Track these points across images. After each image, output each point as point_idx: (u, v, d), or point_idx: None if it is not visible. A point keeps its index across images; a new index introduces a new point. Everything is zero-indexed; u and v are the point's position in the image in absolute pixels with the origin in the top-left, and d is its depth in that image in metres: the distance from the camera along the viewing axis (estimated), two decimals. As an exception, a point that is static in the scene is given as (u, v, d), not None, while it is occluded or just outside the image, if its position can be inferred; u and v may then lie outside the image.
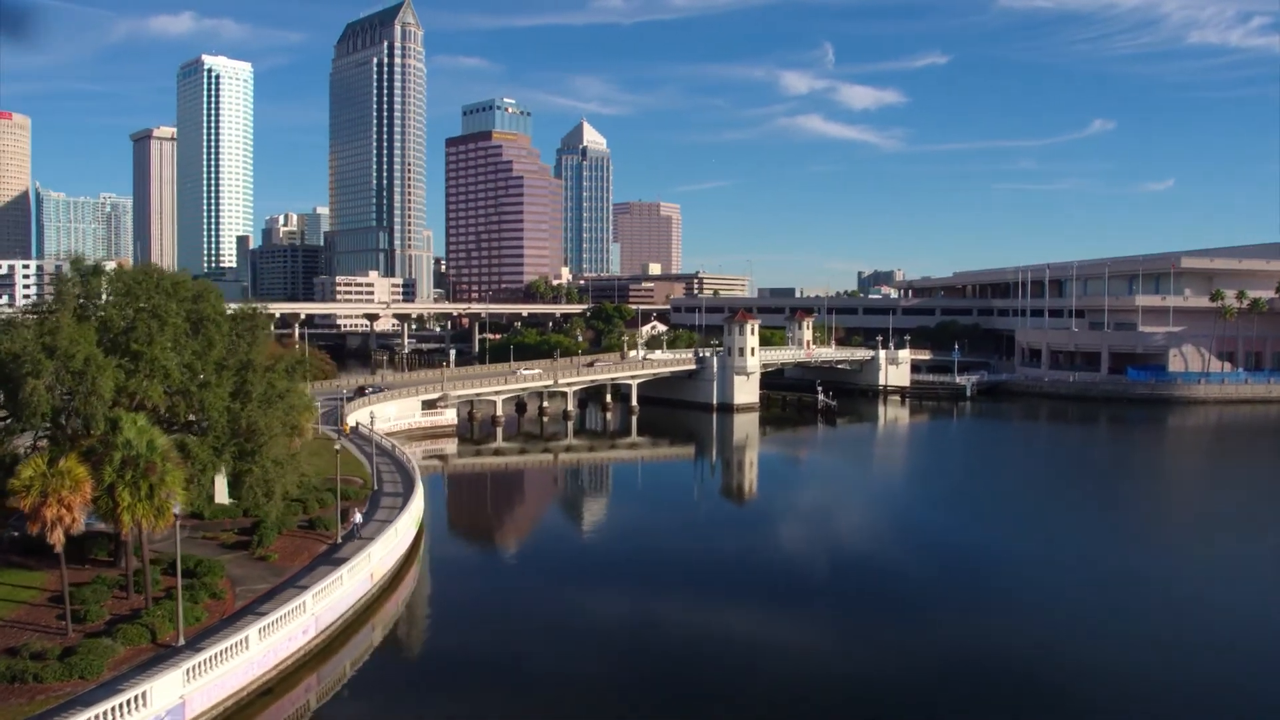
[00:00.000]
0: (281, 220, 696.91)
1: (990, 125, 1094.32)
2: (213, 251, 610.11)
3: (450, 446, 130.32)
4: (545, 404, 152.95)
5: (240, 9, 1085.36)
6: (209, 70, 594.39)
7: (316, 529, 65.84)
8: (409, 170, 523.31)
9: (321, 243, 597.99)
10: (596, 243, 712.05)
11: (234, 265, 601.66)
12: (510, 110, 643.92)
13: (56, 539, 45.63)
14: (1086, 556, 75.50)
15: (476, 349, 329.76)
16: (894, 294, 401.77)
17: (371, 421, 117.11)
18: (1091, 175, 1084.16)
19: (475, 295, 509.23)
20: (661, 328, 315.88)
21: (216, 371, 56.60)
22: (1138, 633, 57.14)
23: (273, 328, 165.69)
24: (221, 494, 67.45)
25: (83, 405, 49.48)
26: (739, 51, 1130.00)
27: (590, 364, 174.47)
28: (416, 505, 72.57)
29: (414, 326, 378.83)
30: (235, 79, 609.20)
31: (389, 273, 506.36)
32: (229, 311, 64.41)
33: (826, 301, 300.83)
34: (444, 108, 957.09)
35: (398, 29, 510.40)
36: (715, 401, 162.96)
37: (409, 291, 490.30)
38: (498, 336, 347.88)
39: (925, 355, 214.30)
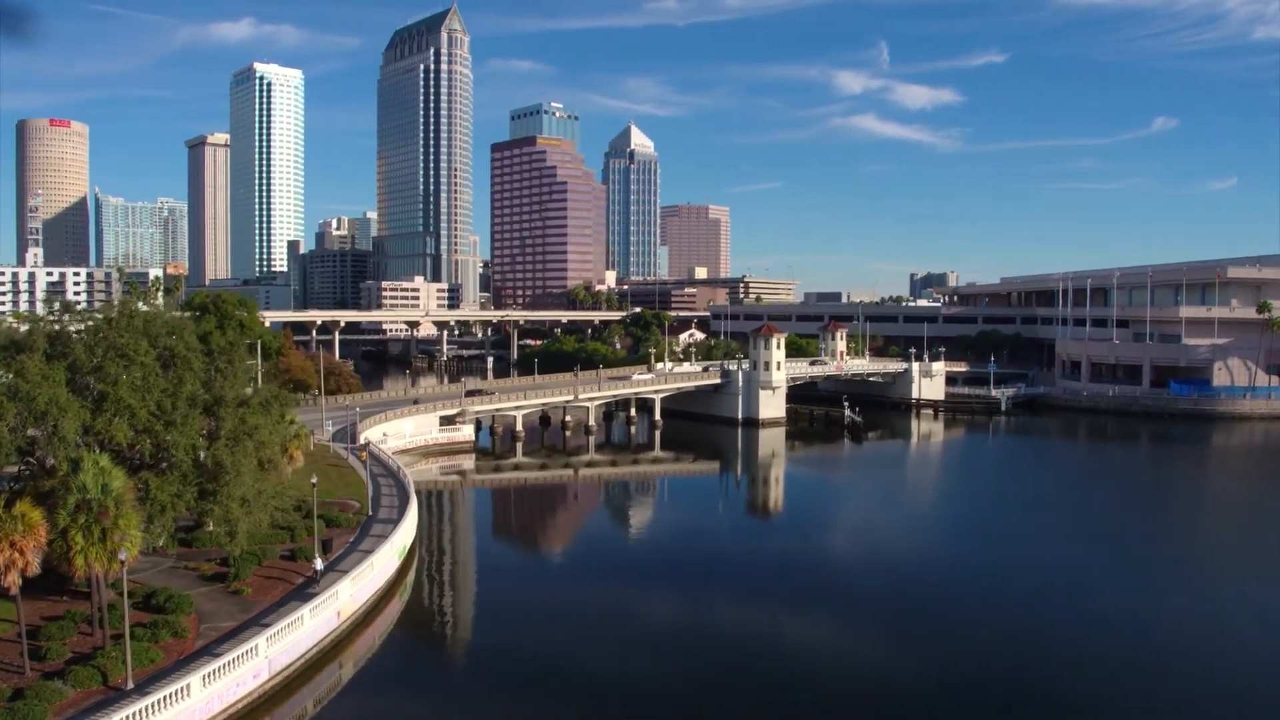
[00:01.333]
0: (335, 224, 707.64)
1: (1049, 124, 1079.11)
2: (264, 256, 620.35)
3: (468, 462, 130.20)
4: (568, 417, 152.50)
5: (299, 14, 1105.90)
6: (261, 78, 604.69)
7: (298, 560, 65.67)
8: (455, 175, 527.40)
9: (370, 247, 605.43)
10: (644, 246, 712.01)
11: (285, 269, 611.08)
12: (558, 114, 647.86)
13: (11, 582, 45.82)
14: (1128, 598, 71.48)
15: (515, 355, 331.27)
16: (937, 301, 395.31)
17: (384, 439, 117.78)
18: (1152, 174, 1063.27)
19: (522, 298, 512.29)
20: (699, 335, 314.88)
21: (189, 408, 56.62)
22: (1197, 681, 55.50)
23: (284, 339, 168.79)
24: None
25: (46, 446, 49.73)
26: (793, 51, 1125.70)
27: (616, 377, 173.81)
28: (401, 535, 72.05)
29: (456, 332, 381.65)
30: (286, 86, 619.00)
31: (435, 278, 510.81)
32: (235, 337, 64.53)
33: (866, 309, 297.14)
34: (497, 110, 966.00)
35: (444, 35, 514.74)
36: (740, 416, 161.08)
37: (454, 297, 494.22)
38: (538, 342, 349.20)
39: (961, 367, 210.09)
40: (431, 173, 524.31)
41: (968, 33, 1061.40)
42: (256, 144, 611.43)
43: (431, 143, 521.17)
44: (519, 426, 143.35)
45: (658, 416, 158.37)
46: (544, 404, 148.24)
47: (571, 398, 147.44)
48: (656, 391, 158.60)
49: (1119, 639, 61.64)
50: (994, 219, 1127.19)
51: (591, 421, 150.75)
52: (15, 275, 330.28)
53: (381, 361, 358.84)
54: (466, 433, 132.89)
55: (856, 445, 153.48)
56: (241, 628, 53.79)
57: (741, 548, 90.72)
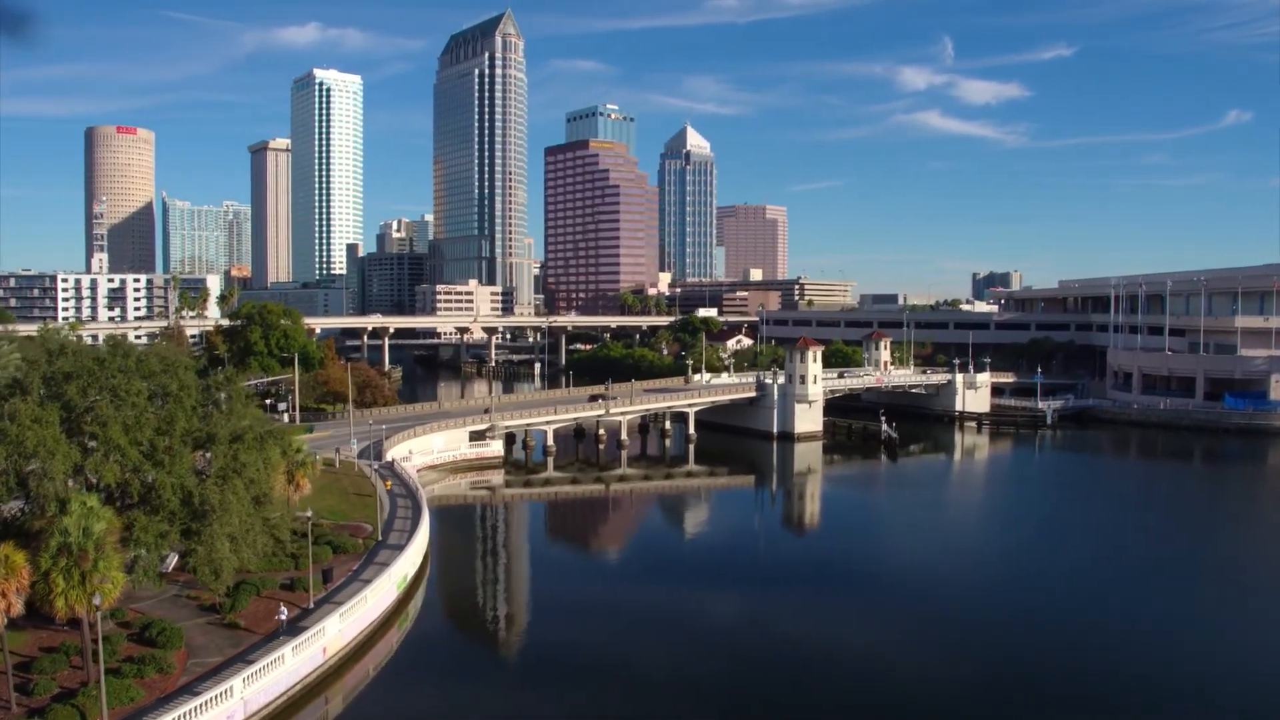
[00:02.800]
0: (395, 226, 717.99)
1: (1118, 119, 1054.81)
2: (324, 259, 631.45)
3: (497, 478, 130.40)
4: (601, 430, 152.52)
5: (363, 18, 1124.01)
6: (320, 84, 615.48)
7: (297, 590, 66.41)
8: (510, 179, 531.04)
9: (427, 250, 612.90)
10: (700, 247, 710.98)
11: (344, 272, 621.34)
12: (613, 116, 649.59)
13: (-5, 621, 47.02)
14: (1194, 639, 68.83)
15: (564, 360, 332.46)
16: (994, 305, 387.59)
17: (408, 457, 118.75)
18: (1225, 169, 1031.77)
19: (577, 301, 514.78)
20: (747, 341, 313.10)
21: (182, 445, 57.58)
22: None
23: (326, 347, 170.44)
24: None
25: (36, 487, 50.89)
26: (856, 48, 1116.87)
27: (652, 389, 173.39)
28: (402, 565, 72.32)
29: (508, 337, 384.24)
30: (345, 91, 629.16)
31: (490, 280, 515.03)
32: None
33: (915, 316, 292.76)
34: (557, 111, 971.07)
35: (498, 40, 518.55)
36: (775, 430, 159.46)
37: (508, 300, 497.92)
38: (588, 347, 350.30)
39: (1008, 378, 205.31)
40: (486, 176, 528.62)
41: (1034, 26, 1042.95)
42: (316, 149, 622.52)
43: (486, 146, 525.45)
44: (550, 440, 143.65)
45: (692, 430, 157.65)
46: (575, 418, 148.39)
47: (603, 412, 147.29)
48: (690, 405, 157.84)
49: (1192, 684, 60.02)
50: (1060, 217, 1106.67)
51: (624, 435, 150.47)
52: (78, 282, 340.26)
53: (433, 366, 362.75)
54: (495, 448, 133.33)
55: (892, 462, 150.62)
56: (227, 663, 54.42)
57: (768, 577, 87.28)
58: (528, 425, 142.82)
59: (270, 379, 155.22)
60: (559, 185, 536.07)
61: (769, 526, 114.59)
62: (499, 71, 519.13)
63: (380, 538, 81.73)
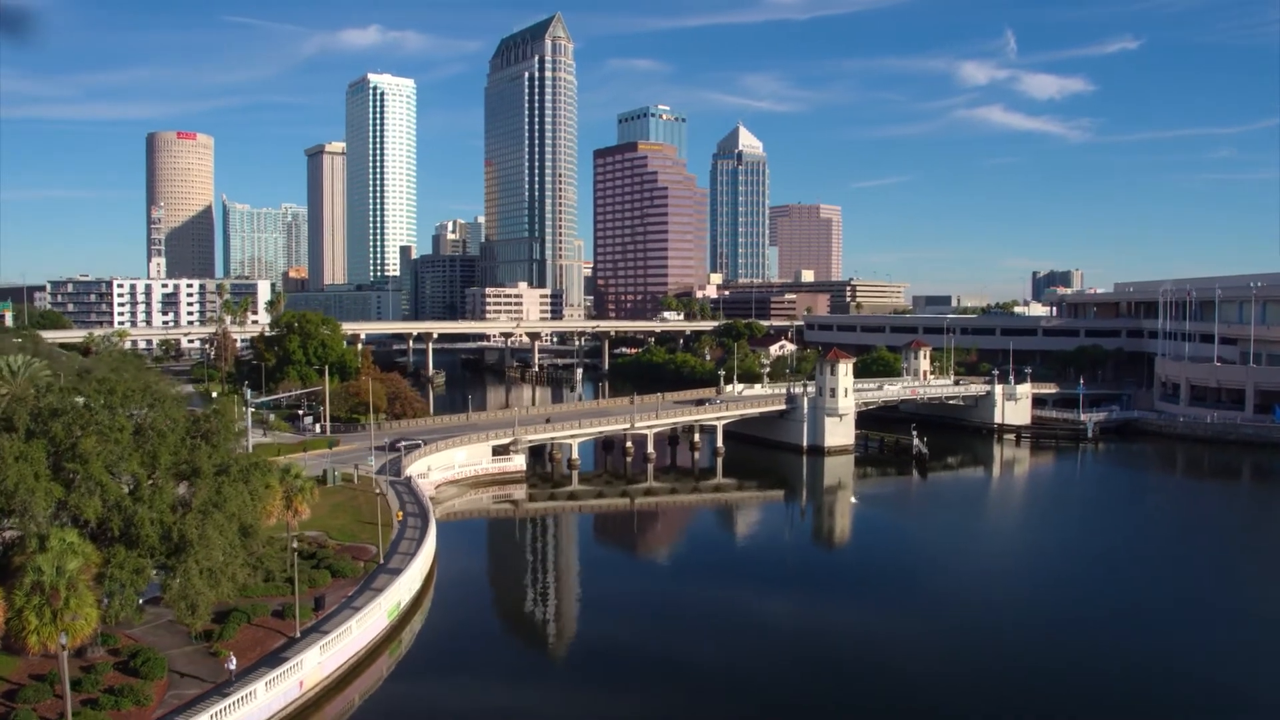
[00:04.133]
0: (450, 228, 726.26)
1: (1185, 112, 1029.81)
2: (378, 261, 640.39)
3: (519, 492, 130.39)
4: (629, 443, 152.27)
5: (423, 20, 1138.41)
6: (374, 88, 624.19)
7: (287, 617, 67.02)
8: (560, 181, 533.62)
9: (478, 252, 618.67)
10: (752, 248, 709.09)
11: (397, 274, 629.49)
12: (664, 117, 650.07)
13: (-31, 657, 48.24)
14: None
15: (606, 365, 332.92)
16: (1047, 308, 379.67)
17: (426, 473, 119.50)
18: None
19: (628, 302, 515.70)
20: (790, 347, 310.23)
21: (167, 478, 58.53)
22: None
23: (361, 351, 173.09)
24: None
25: (17, 524, 52.04)
26: (916, 43, 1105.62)
27: (681, 401, 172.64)
28: (394, 593, 72.50)
29: (554, 340, 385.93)
30: (399, 95, 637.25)
31: (540, 282, 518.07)
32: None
33: (960, 322, 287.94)
34: (615, 110, 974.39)
35: (548, 43, 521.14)
36: (805, 443, 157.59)
37: (557, 302, 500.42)
38: (633, 351, 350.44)
39: (1051, 389, 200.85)
40: (536, 178, 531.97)
41: (1098, 19, 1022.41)
42: (370, 153, 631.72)
43: (536, 149, 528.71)
44: (574, 454, 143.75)
45: (720, 444, 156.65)
46: (599, 432, 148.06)
47: (628, 425, 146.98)
48: (718, 419, 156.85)
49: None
50: (1126, 214, 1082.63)
51: (650, 449, 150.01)
52: (133, 287, 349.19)
53: (479, 370, 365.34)
54: (518, 462, 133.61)
55: (922, 479, 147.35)
56: (203, 696, 55.12)
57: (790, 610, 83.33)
58: (552, 439, 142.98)
59: (303, 391, 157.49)
60: (608, 188, 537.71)
61: (790, 550, 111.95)
62: (548, 74, 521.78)
63: (382, 561, 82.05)
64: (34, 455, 54.06)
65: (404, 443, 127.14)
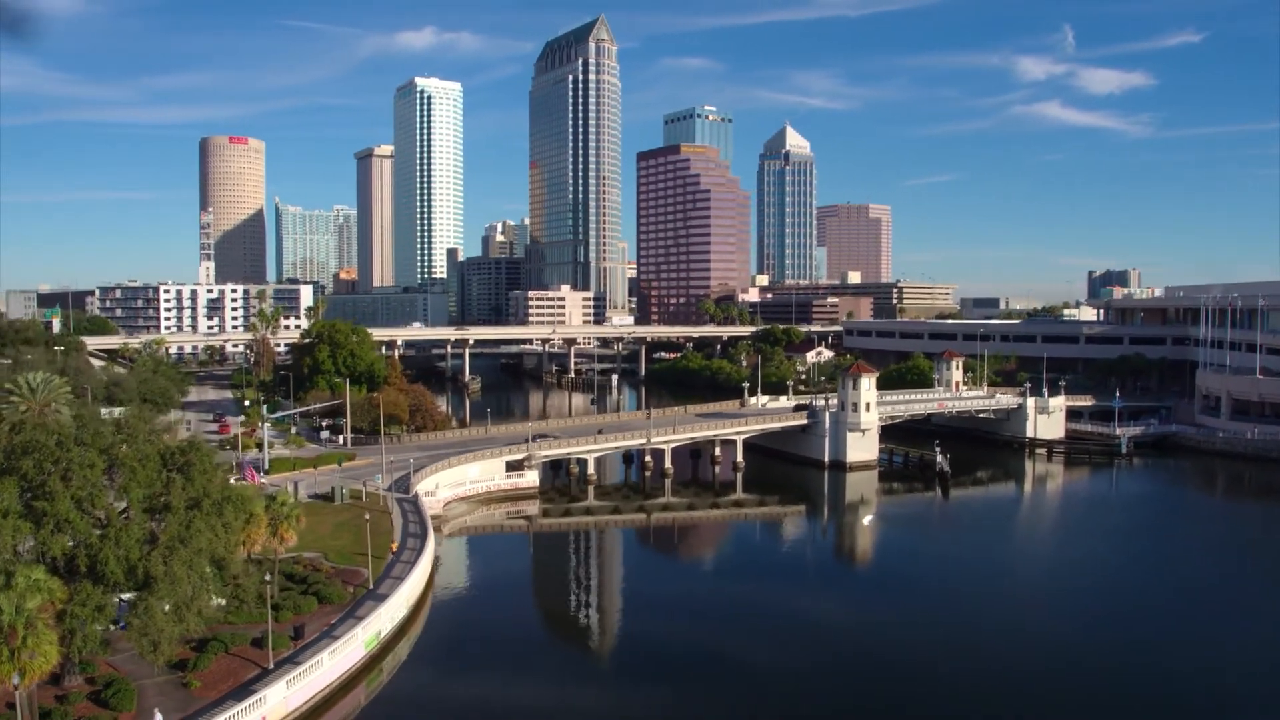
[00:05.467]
0: (500, 229, 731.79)
1: (1249, 106, 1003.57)
2: (425, 263, 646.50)
3: (532, 508, 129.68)
4: (648, 457, 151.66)
5: (478, 22, 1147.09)
6: (421, 91, 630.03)
7: (265, 646, 67.35)
8: (604, 183, 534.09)
9: (523, 254, 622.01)
10: (799, 248, 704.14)
11: (444, 276, 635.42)
12: (710, 117, 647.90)
13: (-70, 695, 49.17)
14: None
15: (643, 371, 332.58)
16: (1093, 313, 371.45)
17: (434, 490, 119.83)
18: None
19: (671, 304, 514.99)
20: (827, 354, 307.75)
21: (141, 513, 59.17)
22: None
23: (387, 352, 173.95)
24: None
25: (-16, 562, 52.85)
26: (972, 38, 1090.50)
27: (703, 414, 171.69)
28: (378, 620, 72.63)
29: (595, 344, 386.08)
30: (446, 99, 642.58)
31: (584, 284, 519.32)
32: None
33: (1000, 329, 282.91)
34: (667, 109, 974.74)
35: (591, 45, 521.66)
36: (827, 459, 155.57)
37: (600, 305, 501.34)
38: (671, 355, 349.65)
39: (1087, 401, 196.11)
40: (580, 181, 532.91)
41: (1159, 12, 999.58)
42: (417, 156, 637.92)
43: (580, 151, 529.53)
44: (591, 469, 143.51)
45: (739, 458, 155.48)
46: (616, 447, 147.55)
47: (644, 441, 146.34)
48: (738, 433, 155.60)
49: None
50: (1187, 211, 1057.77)
51: (668, 464, 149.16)
52: (179, 293, 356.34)
53: (517, 374, 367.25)
54: (531, 478, 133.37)
55: (944, 498, 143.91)
56: (167, 732, 55.73)
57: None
58: (567, 455, 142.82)
59: (322, 406, 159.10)
60: (650, 191, 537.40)
61: (801, 573, 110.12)
62: (592, 77, 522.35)
63: (372, 586, 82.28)
64: (4, 493, 54.91)
65: (412, 458, 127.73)
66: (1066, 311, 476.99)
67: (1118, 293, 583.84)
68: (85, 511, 57.29)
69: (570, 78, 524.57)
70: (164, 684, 61.80)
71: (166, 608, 55.80)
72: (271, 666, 64.48)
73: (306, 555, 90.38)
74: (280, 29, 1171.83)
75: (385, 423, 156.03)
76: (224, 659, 65.44)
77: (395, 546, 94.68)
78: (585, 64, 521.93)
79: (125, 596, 58.67)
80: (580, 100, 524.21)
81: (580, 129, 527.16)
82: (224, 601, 64.98)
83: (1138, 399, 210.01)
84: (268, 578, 67.12)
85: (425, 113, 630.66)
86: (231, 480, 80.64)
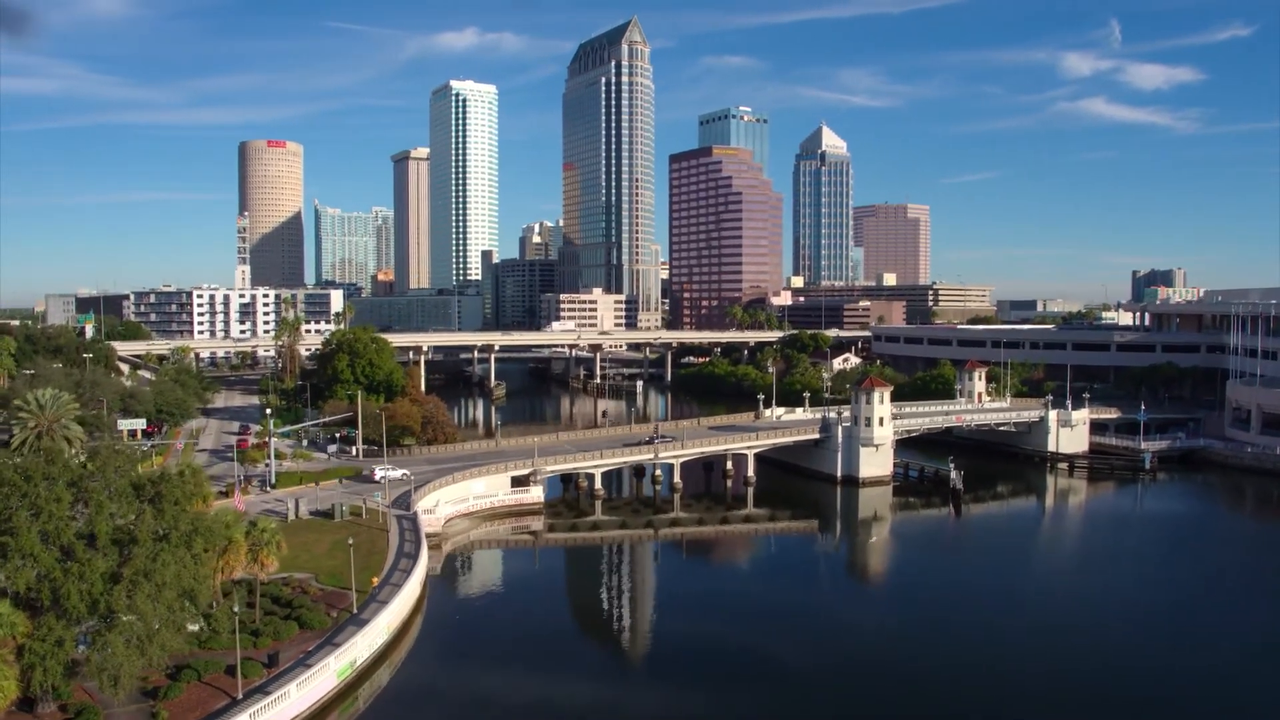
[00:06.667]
0: (536, 230, 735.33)
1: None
2: (460, 265, 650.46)
3: (537, 524, 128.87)
4: (658, 471, 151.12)
5: (518, 22, 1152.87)
6: (456, 94, 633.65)
7: (234, 676, 67.37)
8: (636, 186, 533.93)
9: (557, 257, 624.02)
10: (835, 249, 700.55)
11: (479, 278, 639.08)
12: (746, 118, 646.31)
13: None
14: None
15: (669, 376, 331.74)
16: (1129, 318, 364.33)
17: (435, 507, 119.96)
18: None
19: (704, 307, 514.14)
20: (855, 361, 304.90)
21: (109, 544, 59.67)
22: None
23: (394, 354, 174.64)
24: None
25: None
26: (1017, 34, 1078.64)
27: (717, 427, 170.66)
28: (353, 649, 72.57)
29: (622, 346, 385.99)
30: (480, 101, 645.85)
31: (616, 287, 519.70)
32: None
33: (1030, 334, 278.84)
34: (707, 108, 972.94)
35: (624, 48, 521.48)
36: (840, 474, 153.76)
37: (631, 308, 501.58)
38: (700, 360, 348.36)
39: (1112, 414, 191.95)
40: (613, 183, 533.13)
41: (1208, 5, 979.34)
42: (453, 159, 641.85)
43: (613, 154, 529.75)
44: (598, 484, 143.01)
45: (751, 473, 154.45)
46: (624, 462, 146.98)
47: (652, 455, 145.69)
48: (749, 448, 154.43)
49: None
50: (1236, 209, 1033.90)
51: (677, 478, 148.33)
52: (212, 297, 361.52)
53: (544, 379, 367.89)
54: (536, 494, 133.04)
55: (956, 517, 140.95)
56: (127, 767, 56.15)
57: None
58: (574, 469, 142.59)
59: (335, 418, 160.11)
60: (683, 193, 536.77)
61: (805, 596, 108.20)
62: (624, 79, 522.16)
63: (355, 611, 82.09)
64: (-25, 526, 55.72)
65: (413, 474, 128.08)
66: (1105, 315, 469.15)
67: (1161, 294, 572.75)
68: (50, 545, 57.92)
69: (603, 80, 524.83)
70: (135, 712, 62.17)
71: (127, 642, 56.13)
72: (240, 696, 64.60)
73: (298, 576, 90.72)
74: (324, 30, 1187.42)
75: (398, 434, 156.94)
76: (195, 688, 65.70)
77: (386, 568, 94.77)
78: (618, 66, 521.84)
79: (90, 626, 59.22)
80: (613, 102, 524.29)
81: (613, 131, 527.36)
82: (198, 628, 65.31)
83: (1169, 410, 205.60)
84: (236, 609, 67.23)
85: (460, 115, 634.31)
86: (216, 505, 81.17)
